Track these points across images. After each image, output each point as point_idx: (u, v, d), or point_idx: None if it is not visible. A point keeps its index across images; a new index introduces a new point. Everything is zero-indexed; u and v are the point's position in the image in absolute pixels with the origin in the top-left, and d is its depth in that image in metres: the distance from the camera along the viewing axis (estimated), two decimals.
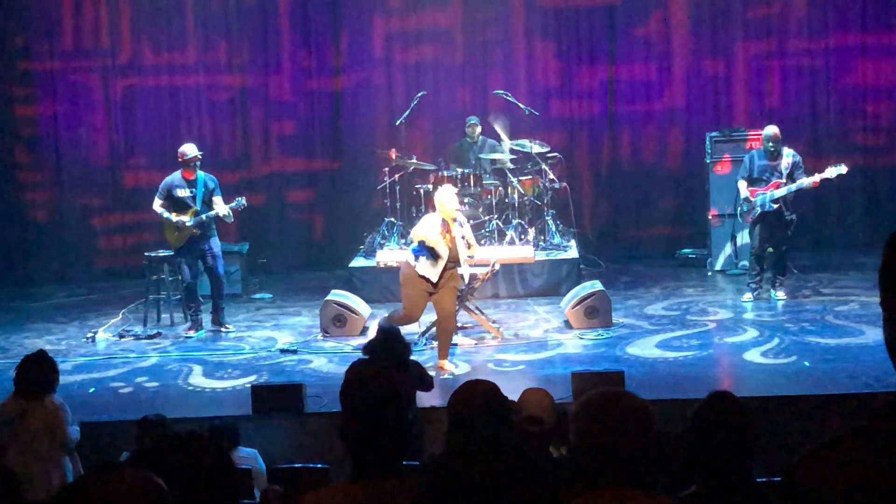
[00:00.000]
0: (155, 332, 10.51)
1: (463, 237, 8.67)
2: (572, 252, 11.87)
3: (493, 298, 11.35)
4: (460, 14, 13.81)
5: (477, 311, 9.87)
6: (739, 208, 10.87)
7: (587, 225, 13.66)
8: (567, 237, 12.28)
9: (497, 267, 10.06)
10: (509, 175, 11.99)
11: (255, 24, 13.87)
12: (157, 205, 10.17)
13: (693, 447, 3.28)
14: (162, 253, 10.84)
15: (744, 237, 11.72)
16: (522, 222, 11.91)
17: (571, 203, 12.54)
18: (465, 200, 11.73)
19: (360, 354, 6.91)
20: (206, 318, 10.50)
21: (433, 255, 8.50)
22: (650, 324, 10.05)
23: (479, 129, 12.59)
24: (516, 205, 12.02)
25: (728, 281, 11.94)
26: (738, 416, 3.28)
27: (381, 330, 6.92)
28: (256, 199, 12.72)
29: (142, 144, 13.86)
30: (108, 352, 9.95)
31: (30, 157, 13.95)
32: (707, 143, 12.55)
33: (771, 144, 10.51)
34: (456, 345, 9.24)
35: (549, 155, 12.33)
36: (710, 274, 12.31)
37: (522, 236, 11.75)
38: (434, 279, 8.53)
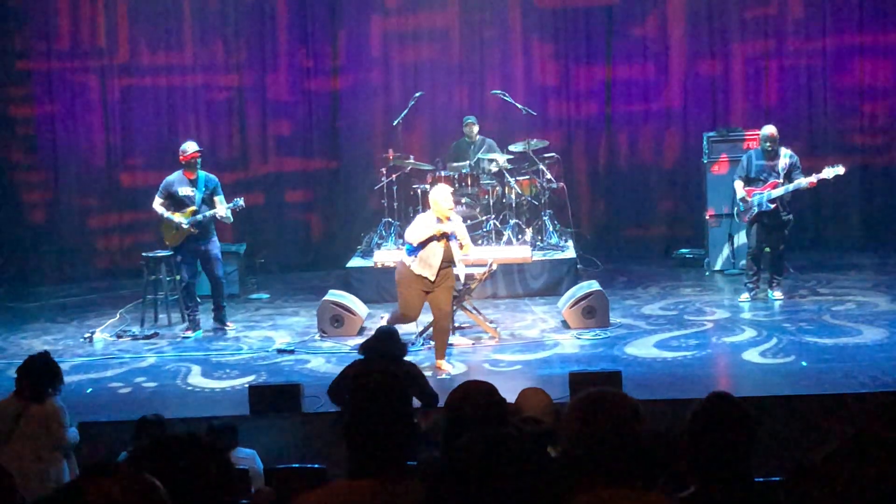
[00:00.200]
0: (152, 332, 10.50)
1: (453, 235, 8.60)
2: (570, 252, 11.87)
3: (492, 298, 11.36)
4: (458, 14, 13.82)
5: (474, 311, 9.87)
6: (736, 208, 10.88)
7: (584, 225, 13.67)
8: (564, 237, 12.29)
9: (494, 267, 10.06)
10: (507, 175, 11.99)
11: (252, 24, 13.87)
12: (157, 203, 10.16)
13: (692, 447, 3.27)
14: (159, 253, 10.83)
15: (741, 237, 11.73)
16: (520, 222, 11.91)
17: (569, 203, 12.54)
18: (463, 200, 11.73)
19: (357, 355, 6.92)
20: (204, 319, 10.50)
21: (428, 254, 8.50)
22: (647, 324, 10.05)
23: (476, 129, 12.59)
24: (514, 205, 12.03)
25: (725, 281, 11.94)
26: (737, 417, 3.28)
27: (377, 330, 6.92)
28: (254, 199, 12.70)
29: (139, 144, 13.85)
30: (105, 352, 9.94)
31: (27, 157, 13.92)
32: (704, 143, 12.56)
33: (768, 144, 10.51)
34: (452, 345, 9.23)
35: (546, 155, 12.34)
36: (707, 274, 12.32)
37: (520, 236, 11.75)
38: (431, 278, 8.52)
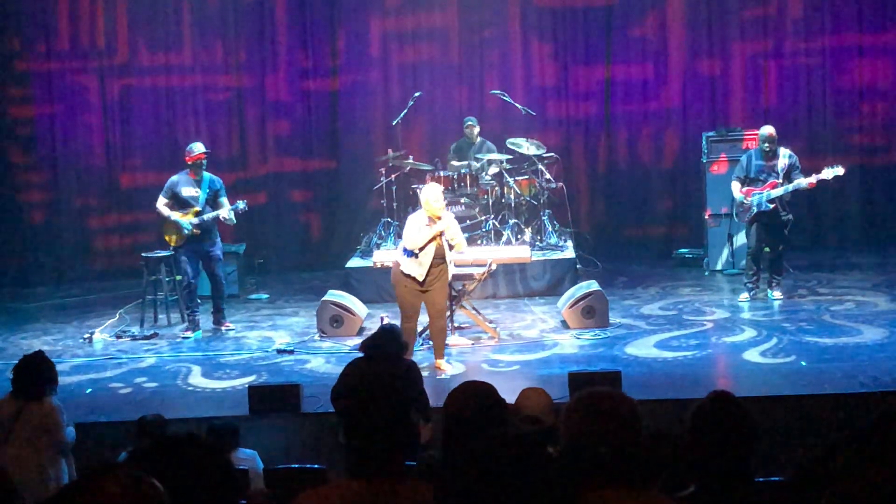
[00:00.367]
0: (152, 332, 10.50)
1: (443, 235, 8.57)
2: (569, 252, 11.87)
3: (492, 298, 11.36)
4: (457, 14, 13.82)
5: (474, 311, 9.87)
6: (735, 209, 10.89)
7: (584, 225, 13.67)
8: (564, 237, 12.28)
9: (494, 267, 10.06)
10: (506, 175, 11.99)
11: (251, 24, 13.87)
12: (161, 203, 10.16)
13: (692, 447, 3.27)
14: (159, 253, 10.83)
15: (740, 237, 11.73)
16: (519, 222, 11.91)
17: (568, 203, 12.54)
18: (462, 200, 11.73)
19: (356, 354, 6.90)
20: (204, 320, 10.49)
21: (419, 253, 8.50)
22: (647, 324, 10.05)
23: (477, 130, 12.60)
24: (513, 205, 12.03)
25: (725, 281, 11.94)
26: (738, 417, 3.28)
27: (379, 328, 6.91)
28: (253, 199, 12.69)
29: (138, 145, 13.85)
30: (105, 352, 9.94)
31: (26, 158, 13.92)
32: (703, 142, 12.56)
33: (767, 145, 10.51)
34: (449, 345, 9.22)
35: (545, 155, 12.33)
36: (706, 274, 12.32)
37: (519, 236, 11.75)
38: (420, 278, 8.52)
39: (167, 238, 10.28)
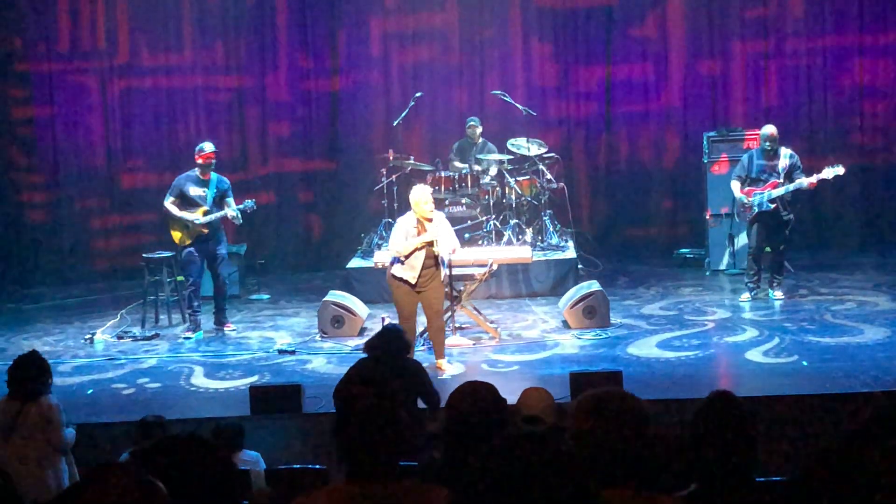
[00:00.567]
0: (153, 333, 10.50)
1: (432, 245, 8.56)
2: (570, 252, 11.87)
3: (493, 298, 11.36)
4: (457, 15, 13.81)
5: (475, 312, 9.87)
6: (735, 208, 10.89)
7: (585, 225, 13.67)
8: (565, 237, 12.28)
9: (495, 267, 10.06)
10: (507, 175, 12.00)
11: (252, 24, 13.86)
12: (169, 202, 10.16)
13: (694, 447, 3.27)
14: (160, 254, 10.83)
15: (742, 237, 11.73)
16: (520, 223, 11.91)
17: (569, 203, 12.54)
18: (463, 201, 11.74)
19: (358, 355, 6.90)
20: (205, 320, 10.50)
21: (404, 260, 8.49)
22: (648, 324, 10.05)
23: (479, 130, 12.60)
24: (514, 205, 12.03)
25: (726, 281, 11.94)
26: (739, 417, 3.28)
27: (382, 328, 6.91)
28: (254, 199, 12.69)
29: (139, 146, 13.84)
30: (106, 353, 9.94)
31: (27, 158, 13.91)
32: (704, 142, 12.56)
33: (768, 144, 10.52)
34: (448, 345, 9.22)
35: (546, 155, 12.33)
36: (707, 274, 12.32)
37: (520, 237, 11.75)
38: (413, 281, 8.52)
39: (174, 236, 10.27)
